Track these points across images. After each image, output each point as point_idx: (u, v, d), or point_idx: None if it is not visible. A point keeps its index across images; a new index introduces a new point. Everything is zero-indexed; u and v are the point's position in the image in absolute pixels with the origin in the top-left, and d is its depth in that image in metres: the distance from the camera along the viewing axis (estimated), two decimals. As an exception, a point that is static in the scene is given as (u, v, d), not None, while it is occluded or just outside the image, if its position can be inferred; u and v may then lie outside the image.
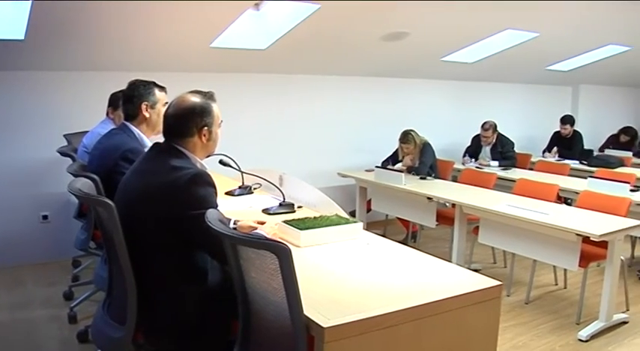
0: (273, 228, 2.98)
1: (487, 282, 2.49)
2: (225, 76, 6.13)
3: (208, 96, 2.72)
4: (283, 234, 3.07)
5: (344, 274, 2.63)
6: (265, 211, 3.73)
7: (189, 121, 2.63)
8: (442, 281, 2.54)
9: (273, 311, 2.15)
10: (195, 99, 2.66)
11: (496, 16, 6.01)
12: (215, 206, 2.51)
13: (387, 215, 6.96)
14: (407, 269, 2.73)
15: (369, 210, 6.64)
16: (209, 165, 4.06)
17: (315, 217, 3.25)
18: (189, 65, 5.78)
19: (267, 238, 2.16)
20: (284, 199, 3.77)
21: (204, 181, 2.54)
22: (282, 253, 1.97)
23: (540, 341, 4.28)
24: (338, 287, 2.45)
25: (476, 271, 5.53)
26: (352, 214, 6.61)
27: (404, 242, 6.45)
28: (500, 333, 4.26)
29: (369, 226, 6.66)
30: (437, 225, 5.77)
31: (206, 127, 2.66)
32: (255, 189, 4.37)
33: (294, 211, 3.69)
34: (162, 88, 3.56)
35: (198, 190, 2.50)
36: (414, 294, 2.34)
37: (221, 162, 3.96)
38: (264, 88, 6.51)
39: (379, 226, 7.06)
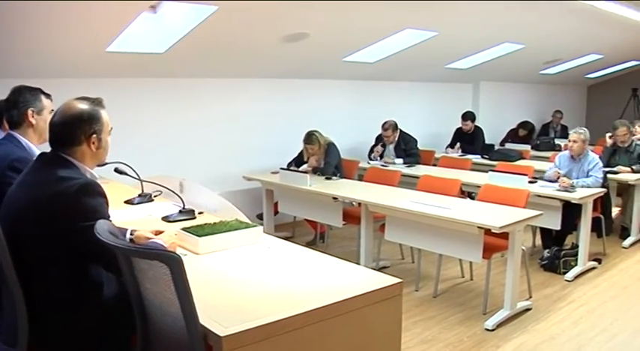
0: (172, 236, 2.89)
1: (388, 280, 2.50)
2: (123, 81, 5.93)
3: (96, 102, 2.60)
4: (182, 242, 2.99)
5: (244, 279, 2.58)
6: (165, 218, 3.63)
7: (76, 129, 2.51)
8: (343, 282, 2.52)
9: (170, 322, 2.09)
10: (83, 106, 2.54)
11: (395, 16, 6.08)
12: (106, 217, 2.41)
13: (294, 217, 6.93)
14: (308, 271, 2.70)
15: (276, 212, 6.59)
16: (106, 173, 3.98)
17: (214, 223, 3.18)
18: (84, 70, 5.56)
19: (156, 248, 2.09)
20: (184, 205, 3.68)
21: (93, 191, 2.43)
22: (172, 262, 1.91)
23: (449, 333, 4.35)
24: (238, 294, 2.40)
25: (384, 268, 5.69)
26: (259, 217, 6.58)
27: (312, 243, 6.50)
28: (409, 328, 4.36)
29: (277, 229, 6.67)
30: (344, 224, 5.78)
31: (95, 135, 2.54)
32: (155, 196, 4.25)
33: (194, 218, 3.61)
34: (48, 96, 3.40)
35: (88, 201, 2.39)
36: (315, 296, 2.31)
37: (116, 170, 3.84)
38: (163, 93, 6.34)
39: (287, 228, 7.03)
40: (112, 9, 4.52)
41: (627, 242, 6.76)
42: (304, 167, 6.45)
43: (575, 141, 6.04)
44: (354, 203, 5.79)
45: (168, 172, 5.05)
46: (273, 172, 6.40)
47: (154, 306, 2.19)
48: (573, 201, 5.46)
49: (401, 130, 7.61)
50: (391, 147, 7.60)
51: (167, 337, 2.16)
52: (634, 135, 7.50)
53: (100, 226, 2.20)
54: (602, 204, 6.17)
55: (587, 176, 5.90)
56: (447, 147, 8.80)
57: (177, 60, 5.85)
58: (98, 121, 2.56)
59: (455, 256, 5.07)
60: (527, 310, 4.79)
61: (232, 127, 6.91)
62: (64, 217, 2.34)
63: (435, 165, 7.79)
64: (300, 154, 6.66)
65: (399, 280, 2.50)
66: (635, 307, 4.92)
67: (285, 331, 2.11)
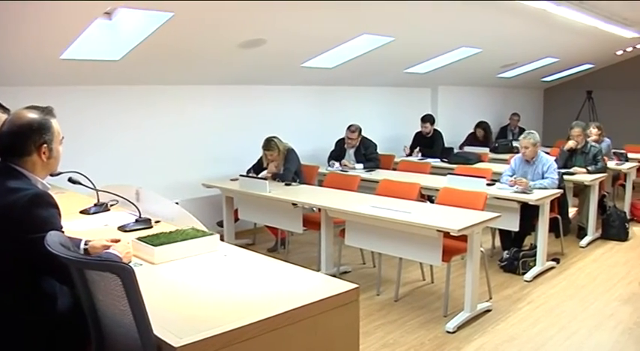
0: (127, 246, 2.85)
1: (344, 286, 2.49)
2: (78, 89, 5.83)
3: (46, 111, 2.55)
4: (137, 251, 2.95)
5: (200, 289, 2.56)
6: (121, 228, 3.57)
7: (26, 139, 2.46)
8: (300, 289, 2.51)
9: (124, 334, 2.06)
10: (32, 115, 2.49)
11: (352, 22, 6.10)
12: (58, 228, 2.37)
13: (255, 224, 6.90)
14: (265, 279, 2.69)
15: (236, 219, 6.54)
16: (61, 183, 3.91)
17: (170, 232, 3.14)
18: (38, 78, 5.45)
19: (108, 259, 2.06)
20: (140, 215, 3.63)
21: (45, 201, 2.38)
22: (124, 273, 1.89)
23: (410, 337, 4.37)
24: (193, 303, 2.37)
25: (345, 273, 5.69)
26: (220, 224, 6.53)
27: (273, 249, 6.48)
28: (371, 332, 4.37)
29: (238, 236, 6.64)
30: (304, 230, 5.77)
31: (45, 145, 2.49)
32: (112, 206, 4.19)
33: (151, 227, 3.56)
34: (5, 110, 3.34)
35: (39, 212, 2.35)
36: (271, 304, 2.29)
37: (70, 180, 3.78)
38: (120, 101, 6.24)
39: (248, 235, 7.00)
40: (66, 15, 4.45)
41: (584, 241, 6.88)
42: (264, 173, 6.43)
43: (526, 146, 6.14)
44: (314, 209, 5.78)
45: (125, 181, 4.98)
46: (232, 179, 6.36)
47: (107, 317, 2.16)
48: (530, 202, 5.54)
49: (362, 135, 7.63)
50: (351, 152, 7.62)
51: (121, 349, 2.13)
52: (589, 137, 7.64)
53: (51, 237, 2.16)
54: (559, 205, 6.27)
55: (543, 178, 5.99)
56: (405, 149, 8.85)
57: (133, 67, 5.78)
58: (48, 130, 2.52)
59: (415, 259, 5.09)
60: (488, 311, 4.84)
61: (191, 134, 6.84)
62: (14, 229, 2.29)
63: (394, 169, 7.83)
64: (260, 160, 6.63)
65: (356, 286, 2.50)
66: (593, 305, 5.01)
67: (241, 340, 2.08)
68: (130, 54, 5.48)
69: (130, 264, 2.52)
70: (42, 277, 2.39)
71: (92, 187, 4.07)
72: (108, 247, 2.77)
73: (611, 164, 7.79)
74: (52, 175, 2.70)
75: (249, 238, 6.97)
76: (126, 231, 3.51)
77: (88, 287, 2.14)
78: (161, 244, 2.92)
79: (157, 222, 3.68)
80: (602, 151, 7.30)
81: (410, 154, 8.71)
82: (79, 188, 4.09)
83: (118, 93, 6.20)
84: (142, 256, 2.94)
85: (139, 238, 3.03)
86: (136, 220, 3.62)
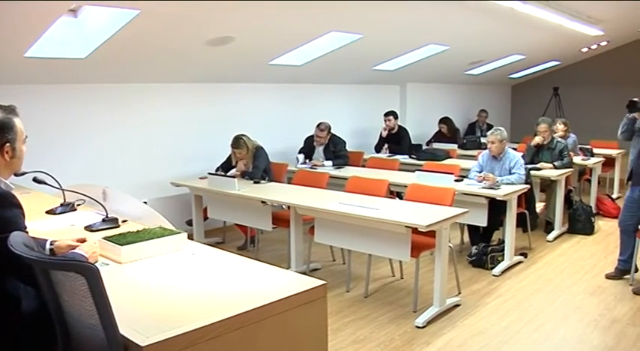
0: (93, 246, 2.82)
1: (312, 282, 2.50)
2: (43, 87, 5.75)
3: (9, 110, 2.53)
4: (104, 251, 2.92)
5: (168, 287, 2.55)
6: (88, 228, 3.54)
7: (-11, 139, 2.44)
8: (267, 286, 2.51)
9: (90, 334, 2.05)
10: (-5, 114, 2.47)
11: (319, 19, 6.10)
12: (22, 228, 2.34)
13: (224, 222, 6.88)
14: (232, 277, 2.68)
15: (206, 218, 6.51)
16: (27, 183, 3.87)
17: (137, 231, 3.12)
18: (1, 77, 5.37)
19: (72, 259, 2.05)
20: (107, 214, 3.60)
21: (7, 202, 2.36)
22: (88, 273, 1.88)
23: (380, 333, 4.39)
24: (161, 302, 2.36)
25: (315, 270, 5.69)
26: (189, 223, 6.49)
27: (243, 248, 6.48)
28: (342, 328, 4.39)
29: (208, 234, 6.61)
30: (274, 228, 5.77)
31: (8, 144, 2.47)
32: (78, 205, 4.14)
33: (118, 226, 3.53)
34: None
35: (2, 212, 2.33)
36: (238, 301, 2.29)
37: (35, 180, 3.74)
38: (86, 99, 6.16)
39: (218, 234, 6.98)
40: (30, 12, 4.38)
41: (551, 236, 6.97)
42: (233, 172, 6.41)
43: (492, 142, 6.21)
44: (283, 206, 5.78)
45: (92, 181, 4.93)
46: (201, 178, 6.33)
47: (73, 318, 2.15)
48: (498, 198, 5.59)
49: (331, 133, 7.65)
50: (320, 149, 7.63)
51: (87, 350, 2.12)
52: (555, 132, 7.74)
53: (14, 238, 2.13)
54: (527, 200, 6.34)
55: (510, 174, 6.05)
56: (375, 147, 8.89)
57: (99, 65, 5.71)
58: (11, 129, 2.49)
59: (384, 255, 5.12)
60: (457, 306, 4.88)
61: (158, 132, 6.79)
62: (-23, 229, 2.26)
63: (363, 166, 7.84)
64: (229, 158, 6.61)
65: (323, 283, 2.50)
66: (559, 298, 5.08)
67: (208, 338, 2.08)
68: (97, 52, 5.42)
69: (96, 264, 2.51)
70: (5, 278, 2.36)
71: (58, 186, 4.03)
72: (74, 247, 2.75)
73: (577, 159, 7.90)
74: (15, 174, 2.68)
75: (219, 236, 6.95)
76: (93, 231, 3.48)
77: (54, 288, 2.13)
78: (128, 244, 2.90)
79: (125, 221, 3.65)
80: (568, 147, 7.40)
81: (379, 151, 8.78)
82: (45, 188, 4.06)
83: (84, 91, 6.12)
84: (108, 256, 2.91)
85: (106, 238, 3.01)
86: (103, 220, 3.59)
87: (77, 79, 5.94)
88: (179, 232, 3.14)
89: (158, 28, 5.29)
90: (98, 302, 1.91)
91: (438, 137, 10.09)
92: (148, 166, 6.69)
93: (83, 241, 2.89)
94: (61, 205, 4.11)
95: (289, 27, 6.09)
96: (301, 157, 7.59)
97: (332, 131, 7.67)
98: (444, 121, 10.24)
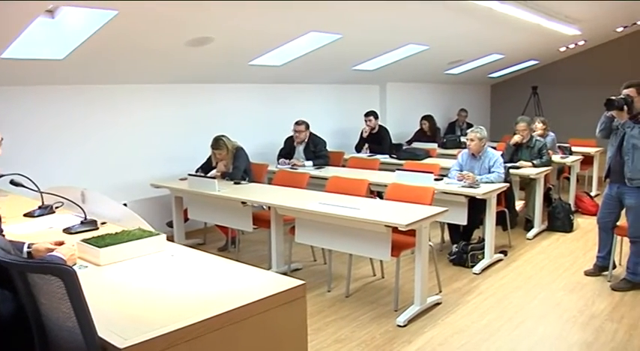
0: (71, 248, 2.80)
1: (291, 282, 2.50)
2: (19, 89, 5.70)
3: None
4: (83, 253, 2.90)
5: (146, 289, 2.54)
6: (67, 230, 3.52)
7: (-37, 141, 2.41)
8: (247, 286, 2.51)
9: (68, 337, 2.04)
10: (-31, 116, 2.45)
11: (299, 20, 6.11)
12: (-2, 232, 2.32)
13: (205, 223, 6.85)
14: (211, 278, 2.68)
15: (186, 219, 6.48)
16: (4, 186, 3.83)
17: (116, 233, 3.10)
18: (-23, 80, 5.35)
19: (50, 262, 2.03)
20: (86, 216, 3.58)
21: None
22: (66, 275, 1.86)
23: (362, 332, 4.39)
24: (139, 304, 2.35)
25: (296, 270, 5.69)
26: (169, 224, 6.47)
27: (224, 248, 6.46)
28: (323, 328, 4.39)
29: (189, 236, 6.59)
30: (255, 228, 5.74)
31: (-17, 146, 2.45)
32: (57, 208, 4.12)
33: (97, 228, 3.52)
34: None
35: (-22, 216, 2.30)
36: (217, 302, 2.29)
37: (12, 182, 3.71)
38: (64, 101, 6.11)
39: (199, 235, 6.95)
40: (5, 13, 4.33)
41: (531, 234, 7.02)
42: (213, 172, 6.39)
43: (472, 139, 6.25)
44: (263, 207, 5.77)
45: (72, 183, 4.90)
46: (181, 179, 6.30)
47: (51, 321, 2.13)
48: (478, 196, 5.62)
49: (310, 132, 7.65)
50: (300, 149, 7.62)
51: (66, 352, 2.10)
52: (534, 131, 7.80)
53: (-12, 241, 2.12)
54: (506, 198, 6.38)
55: (490, 172, 6.08)
56: (355, 146, 8.91)
57: (77, 66, 5.67)
58: (-14, 132, 2.47)
59: (364, 255, 5.13)
60: (438, 304, 4.90)
61: (138, 134, 6.75)
62: (-49, 233, 2.24)
63: (344, 166, 7.86)
64: (209, 159, 6.59)
65: (302, 282, 2.50)
66: (539, 295, 5.12)
67: (187, 339, 2.08)
68: (75, 53, 5.38)
69: (75, 266, 2.50)
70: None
71: (36, 189, 4.00)
72: (52, 250, 2.73)
73: (556, 158, 7.95)
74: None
75: (200, 237, 6.92)
76: (71, 233, 3.46)
77: (31, 291, 2.11)
78: (106, 246, 2.89)
79: (103, 223, 3.64)
80: (547, 145, 7.45)
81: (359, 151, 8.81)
82: (23, 191, 4.03)
83: (62, 93, 6.07)
84: (87, 258, 2.90)
85: (84, 240, 2.99)
86: (82, 222, 3.57)
87: (55, 80, 5.90)
88: (158, 234, 3.13)
89: (137, 28, 5.26)
90: (75, 305, 1.90)
91: (419, 135, 10.13)
92: (127, 168, 6.64)
93: (61, 243, 2.87)
94: (39, 207, 4.08)
95: (269, 27, 6.09)
96: (284, 162, 7.58)
97: (312, 131, 7.66)
98: (427, 118, 10.27)
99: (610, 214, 5.31)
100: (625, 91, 4.91)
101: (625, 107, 4.85)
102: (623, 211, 5.21)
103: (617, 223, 5.29)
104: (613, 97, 4.88)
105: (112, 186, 6.19)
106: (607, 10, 8.33)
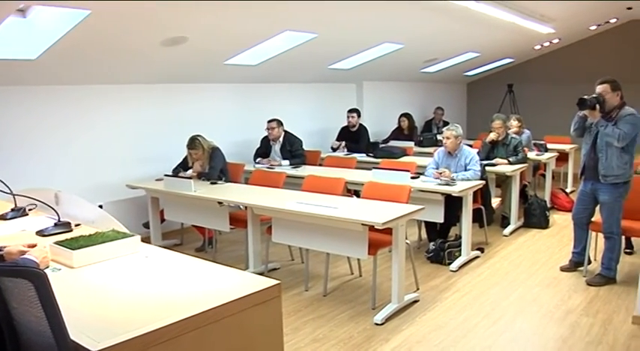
0: (44, 251, 2.77)
1: (266, 282, 2.48)
2: (-9, 90, 5.65)
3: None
4: (56, 256, 2.87)
5: (120, 291, 2.51)
6: (40, 233, 3.46)
7: None
8: (221, 287, 2.50)
9: (41, 341, 2.01)
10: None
11: (273, 19, 6.08)
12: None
13: (182, 224, 6.82)
14: (186, 279, 2.66)
15: (163, 220, 6.44)
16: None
17: (89, 235, 3.07)
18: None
19: (21, 265, 2.00)
20: (59, 218, 3.53)
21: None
22: (36, 278, 1.84)
23: (339, 331, 4.39)
24: (113, 306, 2.32)
25: (274, 270, 5.68)
26: (146, 225, 6.42)
27: (201, 249, 6.44)
28: (301, 328, 4.38)
29: (165, 237, 6.56)
30: (232, 228, 5.73)
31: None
32: (30, 210, 4.06)
33: (70, 230, 3.47)
34: None
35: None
36: (193, 303, 2.27)
37: (-17, 184, 3.66)
38: (37, 102, 6.01)
39: (175, 235, 6.91)
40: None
41: (507, 230, 7.07)
42: (189, 173, 6.36)
43: (447, 137, 6.29)
44: (240, 207, 5.75)
45: (46, 184, 4.85)
46: (157, 179, 6.26)
47: (23, 325, 2.10)
48: (454, 194, 5.65)
49: (286, 131, 7.63)
50: (277, 148, 7.60)
51: (38, 357, 2.07)
52: (509, 129, 7.85)
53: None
54: (482, 195, 6.42)
55: (466, 170, 6.11)
56: (332, 146, 8.90)
57: (50, 66, 5.60)
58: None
59: (341, 254, 5.13)
60: (415, 302, 4.92)
61: (113, 134, 6.67)
62: None
63: (321, 165, 7.86)
64: (185, 159, 6.55)
65: (277, 282, 2.49)
66: (515, 291, 5.15)
67: (161, 341, 2.06)
68: (47, 53, 5.31)
69: (48, 269, 2.47)
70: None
71: (9, 191, 3.95)
72: (24, 253, 2.69)
73: (532, 155, 8.02)
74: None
75: (177, 238, 6.88)
76: (45, 235, 3.41)
77: (2, 295, 2.08)
78: (80, 248, 2.85)
79: (78, 225, 3.59)
80: (522, 143, 7.50)
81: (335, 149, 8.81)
82: (-4, 192, 3.98)
83: (34, 93, 5.97)
84: (60, 261, 2.86)
85: (57, 242, 2.95)
86: (55, 224, 3.52)
87: (27, 80, 5.82)
88: (132, 235, 3.10)
89: (110, 28, 5.21)
90: (47, 308, 1.88)
91: (396, 134, 10.15)
92: (102, 169, 6.57)
93: (34, 246, 2.83)
94: (12, 210, 4.03)
95: (243, 26, 6.06)
96: (261, 160, 7.58)
97: (289, 130, 7.65)
98: (406, 115, 10.29)
99: (585, 210, 5.36)
100: (599, 88, 4.96)
101: (597, 106, 4.90)
102: (598, 207, 5.27)
103: (592, 219, 5.35)
104: (585, 97, 4.93)
105: (87, 187, 6.14)
106: (580, 9, 8.41)
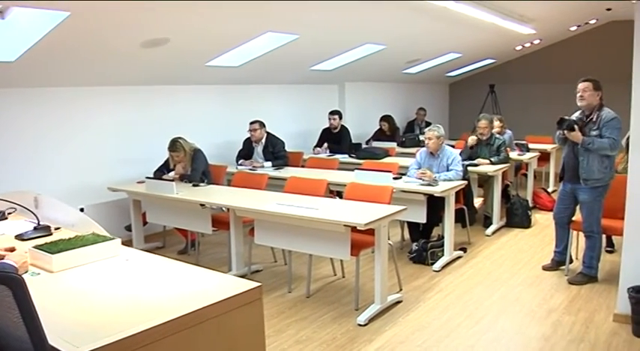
0: (23, 255, 2.74)
1: (247, 285, 2.48)
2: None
3: None
4: (35, 260, 2.84)
5: (101, 295, 2.50)
6: (19, 237, 3.44)
7: None
8: (203, 290, 2.49)
9: (19, 347, 1.99)
10: None
11: (255, 20, 6.06)
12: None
13: (164, 226, 6.77)
14: (168, 282, 2.65)
15: (145, 223, 6.40)
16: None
17: (69, 239, 3.05)
18: None
19: None
20: (39, 222, 3.50)
21: None
22: (13, 283, 1.82)
23: (323, 332, 4.39)
24: (93, 310, 2.31)
25: (257, 272, 5.67)
26: (128, 228, 6.39)
27: (184, 252, 6.42)
28: (284, 329, 4.38)
29: (148, 239, 6.52)
30: (214, 231, 5.70)
31: None
32: (9, 214, 4.03)
33: (50, 234, 3.45)
34: None
35: None
36: (174, 306, 2.26)
37: (-39, 188, 3.62)
38: (15, 104, 5.94)
39: (158, 238, 6.87)
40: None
41: (490, 230, 7.11)
42: (171, 175, 6.32)
43: (430, 138, 6.31)
44: (223, 209, 5.73)
45: (25, 188, 4.80)
46: (139, 182, 6.22)
47: (1, 331, 2.07)
48: (436, 194, 5.66)
49: (269, 133, 7.62)
50: (259, 150, 7.59)
51: (16, 363, 2.05)
52: (493, 129, 7.89)
53: None
54: (465, 196, 6.45)
55: (448, 170, 6.13)
56: (314, 147, 8.89)
57: (30, 68, 5.55)
58: None
59: (324, 255, 5.14)
60: (398, 302, 4.92)
61: (94, 137, 6.62)
62: None
63: (303, 166, 7.86)
64: (167, 161, 6.52)
65: (258, 284, 2.49)
66: (498, 290, 5.18)
67: (143, 345, 2.05)
68: (27, 55, 5.26)
69: (27, 273, 2.44)
70: None
71: (-14, 195, 3.92)
72: (3, 257, 2.67)
73: (514, 155, 8.07)
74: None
75: (159, 241, 6.84)
76: (24, 239, 3.39)
77: (-20, 300, 2.05)
78: (59, 252, 2.83)
79: (57, 229, 3.57)
80: (505, 143, 7.54)
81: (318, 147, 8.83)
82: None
83: (14, 96, 5.90)
84: (39, 265, 2.84)
85: (36, 246, 2.93)
86: (35, 228, 3.50)
87: (6, 83, 5.75)
88: (112, 239, 3.08)
89: (90, 30, 5.17)
90: (24, 314, 1.86)
91: (378, 135, 10.16)
92: (83, 172, 6.51)
93: (12, 250, 2.81)
94: (-9, 213, 4.00)
95: (225, 28, 6.04)
96: (243, 162, 7.56)
97: (271, 132, 7.64)
98: (386, 118, 10.30)
99: (565, 210, 5.40)
100: (581, 85, 4.99)
101: (575, 127, 4.95)
102: (578, 207, 5.31)
103: (573, 219, 5.39)
104: (565, 117, 4.99)
105: (68, 190, 6.09)
106: (560, 10, 8.45)
